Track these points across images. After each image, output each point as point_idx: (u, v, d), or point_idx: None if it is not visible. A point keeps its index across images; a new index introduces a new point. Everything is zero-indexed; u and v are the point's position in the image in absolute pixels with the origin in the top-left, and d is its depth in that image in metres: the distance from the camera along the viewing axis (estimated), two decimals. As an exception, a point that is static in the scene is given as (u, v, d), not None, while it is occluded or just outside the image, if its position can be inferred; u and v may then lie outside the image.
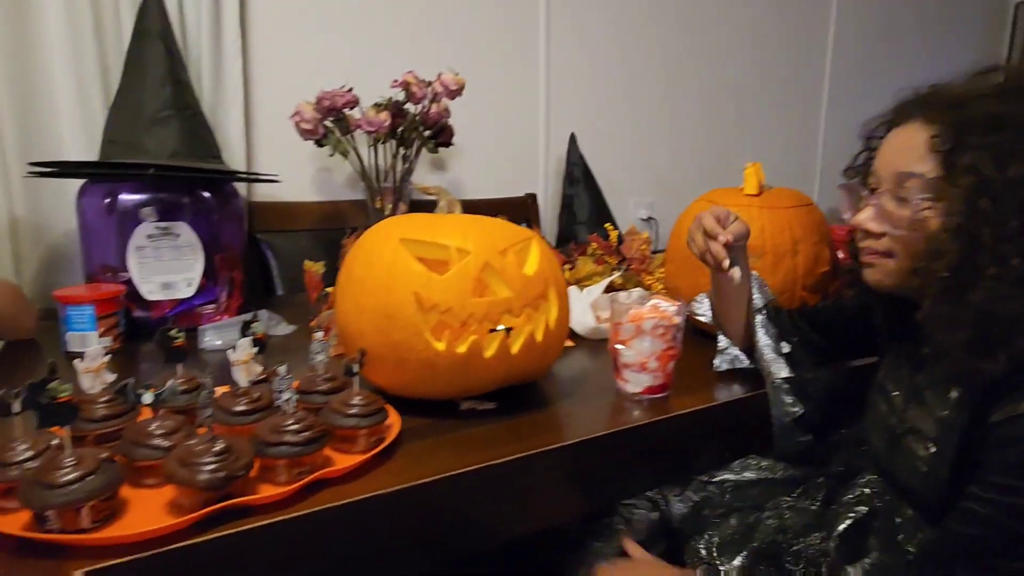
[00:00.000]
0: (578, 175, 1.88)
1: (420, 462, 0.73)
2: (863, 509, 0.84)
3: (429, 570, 0.76)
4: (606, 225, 1.55)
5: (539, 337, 0.86)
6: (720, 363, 1.02)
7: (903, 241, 0.74)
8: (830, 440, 0.99)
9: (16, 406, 0.59)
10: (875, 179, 0.78)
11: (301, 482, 0.66)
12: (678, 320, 0.92)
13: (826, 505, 0.89)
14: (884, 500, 0.83)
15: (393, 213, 1.48)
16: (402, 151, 1.48)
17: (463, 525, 0.76)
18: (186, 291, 1.18)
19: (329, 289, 1.15)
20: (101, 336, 1.06)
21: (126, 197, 1.14)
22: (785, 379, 0.93)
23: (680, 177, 2.18)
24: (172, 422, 0.68)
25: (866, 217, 0.78)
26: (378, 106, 1.42)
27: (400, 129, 1.45)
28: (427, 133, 1.49)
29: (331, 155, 1.44)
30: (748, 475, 0.96)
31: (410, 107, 1.46)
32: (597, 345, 1.16)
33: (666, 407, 0.91)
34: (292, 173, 1.57)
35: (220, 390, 0.82)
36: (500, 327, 0.83)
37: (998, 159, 0.66)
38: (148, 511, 0.61)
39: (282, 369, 0.69)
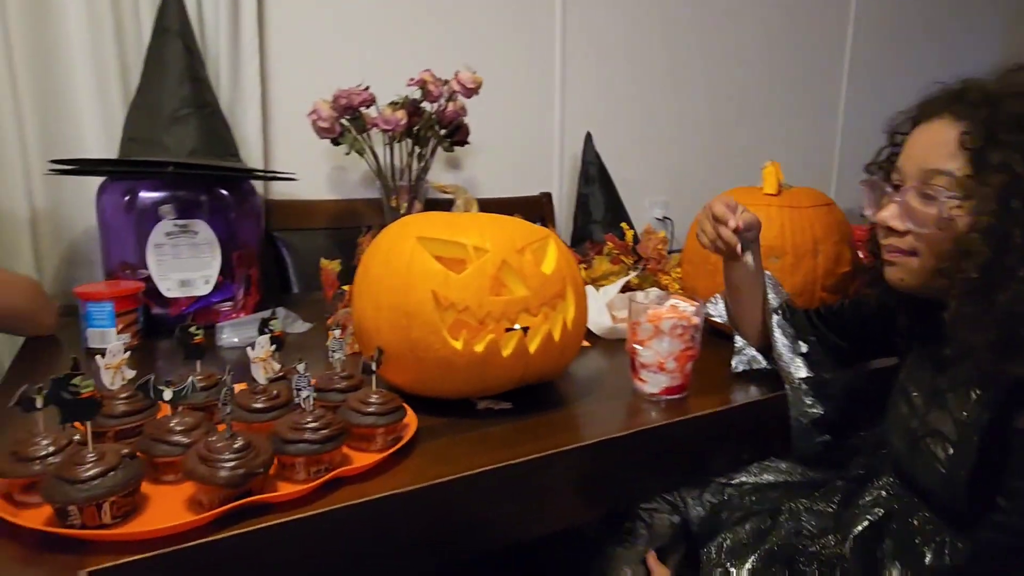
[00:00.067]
0: (593, 174, 1.87)
1: (437, 461, 0.73)
2: (879, 511, 0.83)
3: (445, 569, 0.76)
4: (622, 224, 1.54)
5: (556, 336, 0.86)
6: (737, 364, 1.01)
7: (928, 240, 0.73)
8: (849, 442, 0.97)
9: (39, 401, 0.60)
10: (899, 175, 0.77)
11: (319, 480, 0.66)
12: (697, 320, 0.91)
13: (843, 508, 0.87)
14: (901, 502, 0.82)
15: (409, 212, 1.48)
16: (418, 150, 1.48)
17: (480, 525, 0.75)
18: (204, 288, 1.19)
19: (345, 287, 1.15)
20: (120, 333, 1.07)
21: (145, 195, 1.15)
22: (804, 379, 0.92)
23: (695, 177, 2.17)
24: (191, 419, 0.69)
25: (889, 214, 0.76)
26: (394, 104, 1.42)
27: (416, 128, 1.45)
28: (443, 132, 1.49)
29: (347, 153, 1.44)
30: (767, 477, 0.95)
31: (426, 105, 1.46)
32: (613, 345, 1.15)
33: (684, 408, 0.90)
34: (308, 171, 1.58)
35: (238, 387, 0.82)
36: (517, 326, 0.82)
37: None
38: (168, 507, 0.62)
39: (301, 366, 0.70)
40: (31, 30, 1.27)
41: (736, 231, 0.89)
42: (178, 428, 0.67)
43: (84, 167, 1.19)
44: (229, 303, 1.23)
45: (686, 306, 0.92)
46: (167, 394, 0.67)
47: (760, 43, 2.25)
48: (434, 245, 0.84)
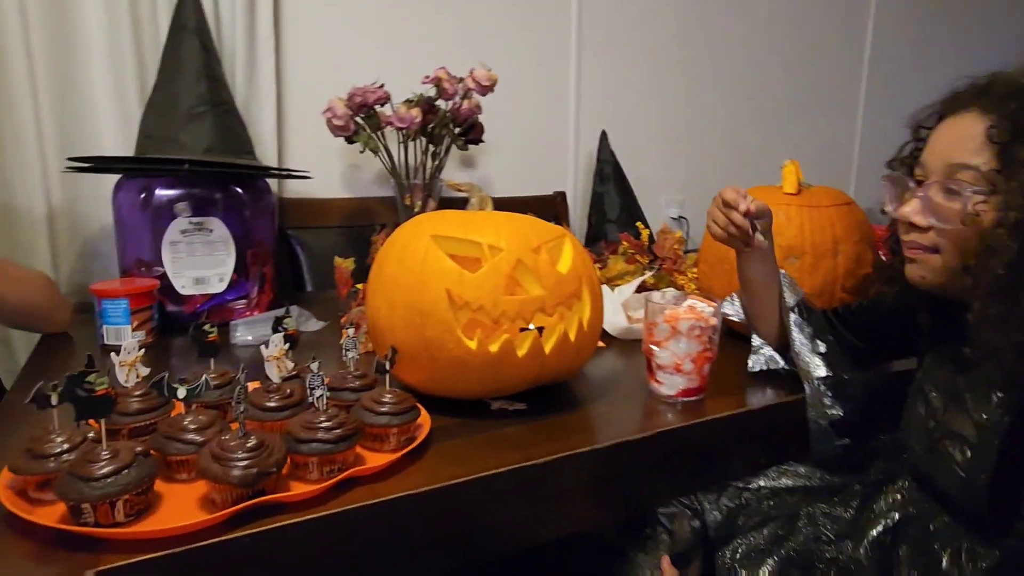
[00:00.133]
0: (608, 172, 1.85)
1: (451, 462, 0.72)
2: (895, 516, 0.81)
3: (459, 571, 0.75)
4: (637, 224, 1.52)
5: (572, 336, 0.85)
6: (754, 364, 1.00)
7: (951, 236, 0.71)
8: (869, 446, 0.96)
9: (54, 398, 0.59)
10: (923, 171, 0.75)
11: (332, 480, 0.65)
12: (715, 321, 0.89)
13: (860, 512, 0.86)
14: (918, 507, 0.81)
15: (423, 210, 1.47)
16: (432, 148, 1.48)
17: (494, 527, 0.75)
18: (218, 286, 1.19)
19: (359, 285, 1.14)
20: (135, 330, 1.07)
21: (161, 192, 1.15)
22: (823, 378, 0.91)
23: (712, 175, 2.14)
24: (205, 417, 0.68)
25: (912, 210, 0.75)
26: (409, 102, 1.42)
27: (431, 126, 1.44)
28: (457, 130, 1.49)
29: (362, 151, 1.44)
30: (784, 482, 0.94)
31: (441, 103, 1.45)
32: (628, 345, 1.14)
33: (701, 410, 0.89)
34: (322, 170, 1.57)
35: (251, 385, 0.82)
36: (532, 326, 0.81)
37: None
38: (181, 506, 0.61)
39: (315, 365, 0.69)
40: (49, 28, 1.27)
41: (747, 215, 0.88)
42: (192, 426, 0.67)
43: (100, 165, 1.19)
44: (243, 301, 1.23)
45: (704, 307, 0.90)
46: (181, 392, 0.66)
47: (778, 40, 2.22)
48: (449, 243, 0.83)
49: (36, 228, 1.29)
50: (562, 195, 1.91)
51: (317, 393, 0.68)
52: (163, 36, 1.29)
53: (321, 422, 0.66)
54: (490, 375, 0.82)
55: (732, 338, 1.09)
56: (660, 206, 2.06)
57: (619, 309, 1.19)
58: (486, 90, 1.45)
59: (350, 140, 1.45)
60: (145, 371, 0.77)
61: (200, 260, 1.17)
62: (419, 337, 0.81)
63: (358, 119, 1.42)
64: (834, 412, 0.90)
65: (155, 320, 1.12)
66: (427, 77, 1.44)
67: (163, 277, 1.16)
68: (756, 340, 1.01)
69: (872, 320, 0.96)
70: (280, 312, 0.85)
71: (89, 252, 1.36)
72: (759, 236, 0.89)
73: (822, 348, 0.93)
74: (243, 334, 1.12)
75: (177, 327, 1.15)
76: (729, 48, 2.13)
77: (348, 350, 0.82)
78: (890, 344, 0.95)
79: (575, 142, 1.93)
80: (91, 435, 0.64)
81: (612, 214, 1.82)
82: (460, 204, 1.49)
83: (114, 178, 1.21)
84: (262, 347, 0.78)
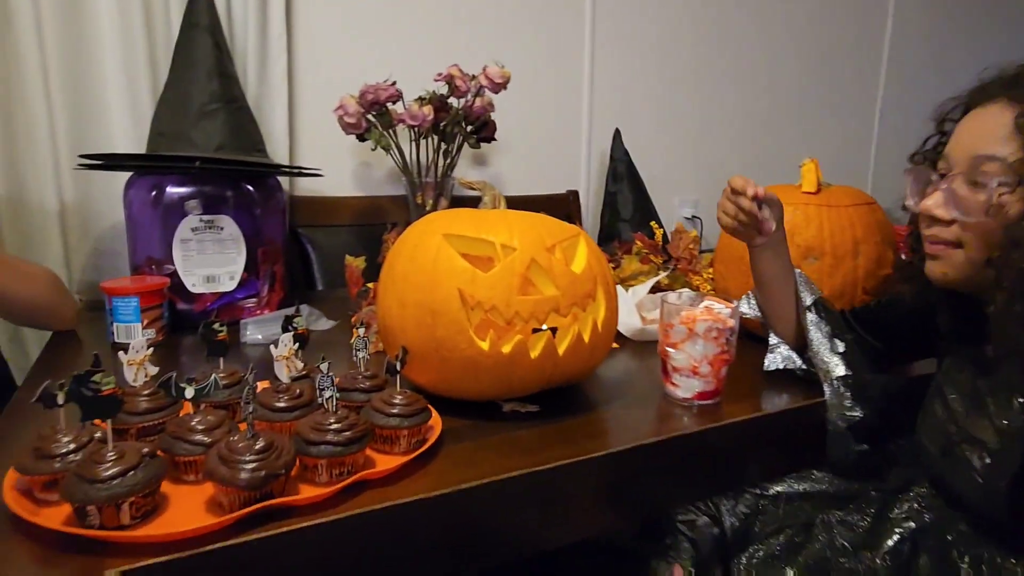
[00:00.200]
0: (622, 171, 1.83)
1: (462, 465, 0.71)
2: (911, 525, 0.79)
3: (468, 574, 0.74)
4: (651, 223, 1.50)
5: (586, 338, 0.83)
6: (770, 363, 0.98)
7: (975, 229, 0.69)
8: (887, 451, 0.94)
9: (60, 398, 0.58)
10: (946, 163, 0.74)
11: (342, 483, 0.64)
12: (732, 323, 0.87)
13: (877, 520, 0.84)
14: (935, 514, 0.79)
15: (434, 209, 1.46)
16: (444, 146, 1.46)
17: (504, 531, 0.73)
18: (228, 284, 1.18)
19: (370, 284, 1.13)
20: (145, 328, 1.07)
21: (172, 190, 1.14)
22: (842, 378, 0.88)
23: (726, 175, 2.09)
24: (213, 417, 0.67)
25: (934, 203, 0.73)
26: (421, 100, 1.41)
27: (443, 124, 1.43)
28: (469, 128, 1.47)
29: (373, 149, 1.43)
30: (801, 488, 0.92)
31: (453, 101, 1.44)
32: (642, 347, 1.12)
33: (718, 414, 0.87)
34: (333, 168, 1.57)
35: (261, 385, 0.81)
36: (545, 327, 0.80)
37: None
38: (187, 508, 0.60)
39: (324, 366, 0.68)
40: (62, 25, 1.27)
41: (755, 198, 0.87)
42: (199, 427, 0.66)
43: (111, 162, 1.19)
44: (253, 299, 1.22)
45: (721, 308, 0.88)
46: (189, 392, 0.65)
47: (794, 38, 2.19)
48: (461, 242, 0.81)
49: (48, 225, 1.29)
50: (575, 194, 1.89)
51: (327, 394, 0.67)
52: (175, 33, 1.28)
53: (331, 423, 0.65)
54: (502, 376, 0.81)
55: (747, 339, 1.07)
56: (674, 206, 2.04)
57: (633, 310, 1.17)
58: (499, 87, 1.43)
59: (362, 138, 1.44)
60: (154, 370, 0.76)
61: (211, 258, 1.17)
62: (430, 337, 0.79)
63: (370, 117, 1.41)
64: (854, 414, 0.88)
65: (165, 318, 1.12)
66: (439, 74, 1.43)
67: (174, 275, 1.15)
68: (773, 338, 0.99)
69: (890, 320, 0.94)
70: (290, 311, 0.84)
71: (100, 249, 1.36)
72: (766, 213, 0.88)
73: (841, 347, 0.91)
74: (253, 333, 1.11)
75: (187, 325, 1.14)
76: (744, 46, 2.11)
77: (358, 350, 0.81)
78: (908, 344, 0.93)
79: (588, 140, 1.91)
80: (98, 435, 0.63)
81: (625, 213, 1.80)
82: (472, 203, 1.47)
83: (125, 175, 1.21)
84: (271, 347, 0.77)
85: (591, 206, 1.94)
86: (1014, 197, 0.66)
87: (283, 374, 0.77)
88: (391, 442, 0.71)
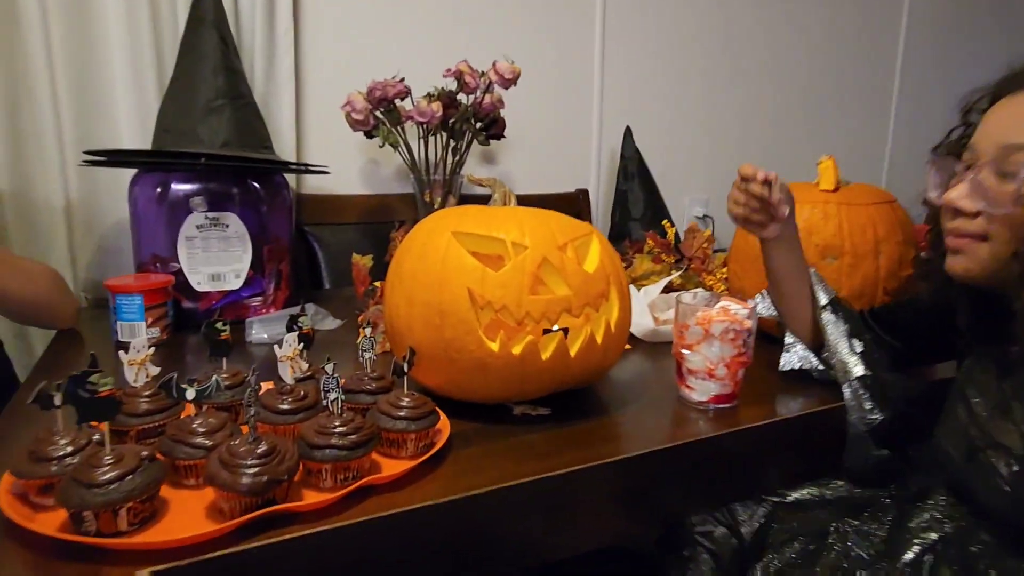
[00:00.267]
0: (633, 170, 1.80)
1: (470, 470, 0.69)
2: (932, 536, 0.76)
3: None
4: (663, 223, 1.48)
5: (599, 339, 0.81)
6: (786, 363, 0.95)
7: (1003, 221, 0.67)
8: (907, 456, 0.91)
9: (57, 399, 0.57)
10: (972, 154, 0.71)
11: (347, 488, 0.62)
12: (749, 324, 0.85)
13: (895, 529, 0.81)
14: (956, 524, 0.75)
15: (443, 207, 1.44)
16: (452, 143, 1.44)
17: (516, 539, 0.71)
18: (234, 283, 1.17)
19: (377, 283, 1.11)
20: (149, 327, 1.05)
21: (177, 186, 1.13)
22: (861, 378, 0.86)
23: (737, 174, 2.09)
24: (215, 420, 0.65)
25: (959, 194, 0.70)
26: (430, 96, 1.38)
27: (452, 120, 1.41)
28: (479, 125, 1.45)
29: (381, 146, 1.41)
30: (818, 495, 0.89)
31: (462, 97, 1.42)
32: (655, 348, 1.10)
33: (735, 418, 0.84)
34: (341, 165, 1.55)
35: (264, 386, 0.79)
36: (556, 327, 0.77)
37: None
38: (187, 514, 0.58)
39: (329, 367, 0.66)
40: (68, 21, 1.26)
41: (765, 182, 0.85)
42: (201, 429, 0.64)
43: (117, 158, 1.18)
44: (259, 298, 1.20)
45: (738, 308, 0.86)
46: (190, 393, 0.64)
47: (808, 35, 2.16)
48: (470, 240, 0.79)
49: (54, 221, 1.28)
50: (585, 192, 1.87)
51: (332, 396, 0.65)
52: (181, 29, 1.27)
53: (336, 427, 0.63)
54: (512, 378, 0.78)
55: (761, 339, 1.04)
56: (685, 205, 2.01)
57: (645, 310, 1.15)
58: (509, 83, 1.41)
59: (369, 135, 1.42)
60: (155, 370, 0.74)
61: (216, 256, 1.15)
62: (439, 338, 0.77)
63: (378, 113, 1.39)
64: (875, 416, 0.85)
65: (170, 317, 1.10)
66: (448, 70, 1.41)
67: (178, 273, 1.14)
68: (789, 337, 0.97)
69: (909, 318, 0.92)
70: (296, 310, 0.82)
71: (105, 247, 1.35)
72: (777, 195, 0.85)
73: (859, 347, 0.88)
74: (258, 332, 1.10)
75: (192, 324, 1.12)
76: (756, 42, 2.07)
77: (365, 350, 0.79)
78: (928, 344, 0.91)
79: (599, 138, 1.89)
80: (96, 437, 0.61)
81: (636, 212, 1.78)
82: (482, 201, 1.45)
83: (131, 172, 1.19)
84: (276, 347, 0.75)
85: (601, 205, 1.92)
86: None
87: (287, 375, 0.75)
88: (398, 446, 0.69)
